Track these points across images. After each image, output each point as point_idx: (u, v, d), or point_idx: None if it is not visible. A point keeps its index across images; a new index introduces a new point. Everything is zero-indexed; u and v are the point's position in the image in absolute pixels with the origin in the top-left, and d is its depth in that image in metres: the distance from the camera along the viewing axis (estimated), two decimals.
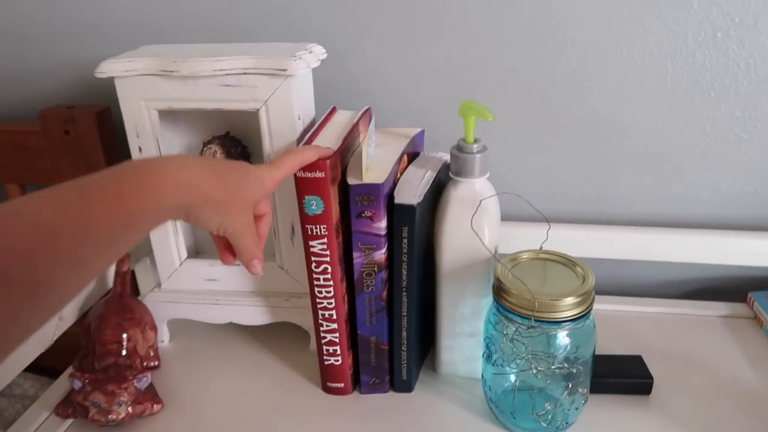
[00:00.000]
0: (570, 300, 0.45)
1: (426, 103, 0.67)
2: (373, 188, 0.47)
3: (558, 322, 0.45)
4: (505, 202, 0.54)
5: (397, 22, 0.65)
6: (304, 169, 0.46)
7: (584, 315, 0.46)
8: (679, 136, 0.65)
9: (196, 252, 0.64)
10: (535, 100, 0.65)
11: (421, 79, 0.66)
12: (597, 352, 0.50)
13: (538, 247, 0.51)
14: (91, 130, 0.67)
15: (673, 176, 0.66)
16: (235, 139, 0.59)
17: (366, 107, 0.58)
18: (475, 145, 0.50)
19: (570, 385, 0.49)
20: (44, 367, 0.66)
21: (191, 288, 0.60)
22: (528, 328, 0.46)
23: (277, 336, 0.63)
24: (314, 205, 0.47)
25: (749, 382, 0.55)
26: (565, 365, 0.48)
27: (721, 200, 0.66)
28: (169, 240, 0.59)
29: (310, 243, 0.49)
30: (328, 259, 0.49)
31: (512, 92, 0.65)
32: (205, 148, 0.58)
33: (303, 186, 0.47)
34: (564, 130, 0.66)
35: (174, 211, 0.37)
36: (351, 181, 0.48)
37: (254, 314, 0.60)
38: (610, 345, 0.58)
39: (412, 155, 0.57)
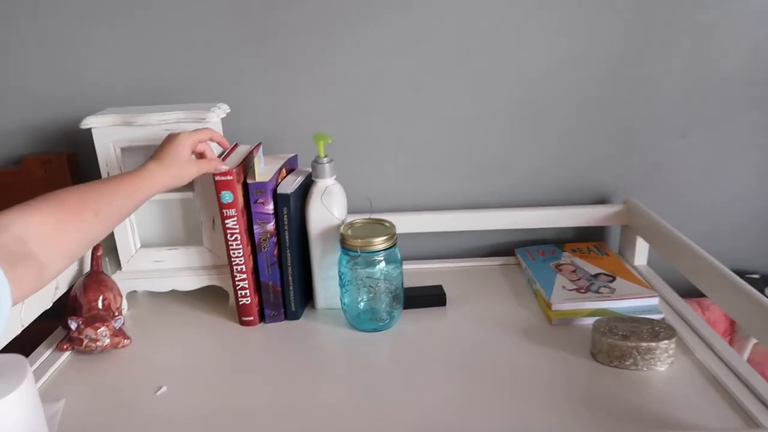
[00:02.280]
0: (380, 239, 0.78)
1: (299, 137, 1.00)
2: (263, 184, 0.79)
3: (375, 252, 0.78)
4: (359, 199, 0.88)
5: (276, 87, 0.98)
6: (220, 175, 0.77)
7: (390, 248, 0.80)
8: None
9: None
10: (376, 135, 1.01)
11: (296, 121, 1.00)
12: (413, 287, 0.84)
13: (367, 217, 0.85)
14: (63, 169, 0.95)
15: (466, 179, 1.03)
16: None
17: (258, 142, 0.90)
18: (325, 159, 0.84)
19: (392, 297, 0.82)
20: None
21: (144, 268, 0.88)
22: (358, 257, 0.78)
23: (205, 297, 0.91)
24: (227, 196, 0.78)
25: (511, 301, 0.90)
26: (385, 282, 0.80)
27: (488, 192, 1.04)
28: (128, 236, 0.87)
29: (226, 221, 0.80)
30: (237, 230, 0.80)
31: (359, 128, 1.00)
32: None
33: (219, 185, 0.78)
34: (396, 147, 1.02)
35: (160, 189, 0.71)
36: (250, 181, 0.80)
37: (189, 282, 0.89)
38: (424, 284, 0.92)
39: (289, 169, 0.90)
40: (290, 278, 0.84)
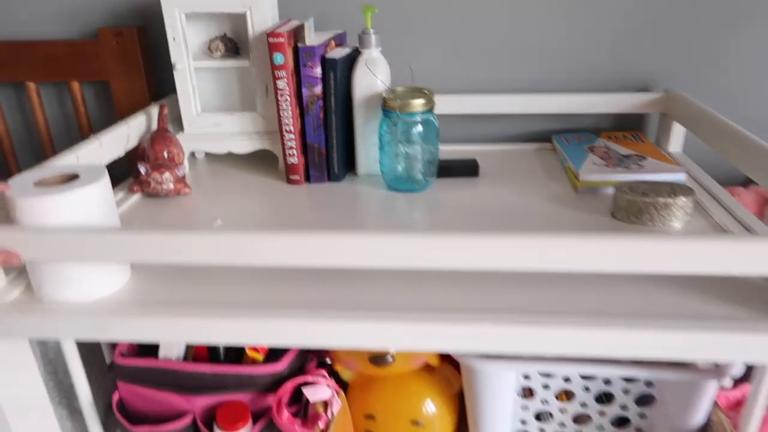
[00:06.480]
0: (419, 102, 0.84)
1: (348, 18, 1.05)
2: (312, 49, 0.85)
3: (413, 114, 0.84)
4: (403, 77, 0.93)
5: None
6: (273, 36, 0.84)
7: (428, 112, 0.85)
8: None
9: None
10: (423, 15, 1.05)
11: (346, 3, 1.05)
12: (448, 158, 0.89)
13: (409, 86, 0.90)
14: (134, 42, 1.04)
15: (509, 65, 1.06)
16: (232, 40, 0.97)
17: (310, 18, 0.96)
18: (372, 30, 0.89)
19: (428, 161, 0.87)
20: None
21: (204, 131, 0.97)
22: (397, 119, 0.84)
23: (258, 162, 1.00)
24: (279, 58, 0.85)
25: (542, 176, 0.95)
26: (422, 145, 0.86)
27: (531, 79, 1.07)
28: (190, 100, 0.96)
29: (277, 82, 0.87)
30: (287, 91, 0.87)
31: (408, 7, 1.05)
32: (211, 42, 0.95)
33: (272, 47, 0.85)
34: (442, 29, 1.06)
35: None
36: (300, 45, 0.86)
37: (244, 145, 0.97)
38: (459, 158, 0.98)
39: (338, 43, 0.95)
40: (334, 141, 0.91)
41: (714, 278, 0.64)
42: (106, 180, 0.64)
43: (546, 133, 1.09)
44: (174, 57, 0.93)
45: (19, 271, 0.68)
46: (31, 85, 1.09)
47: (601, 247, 0.53)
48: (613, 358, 0.70)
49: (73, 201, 0.60)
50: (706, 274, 0.52)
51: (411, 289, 0.65)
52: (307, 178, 0.94)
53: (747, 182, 1.05)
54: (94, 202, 0.62)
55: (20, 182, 0.63)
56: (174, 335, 0.61)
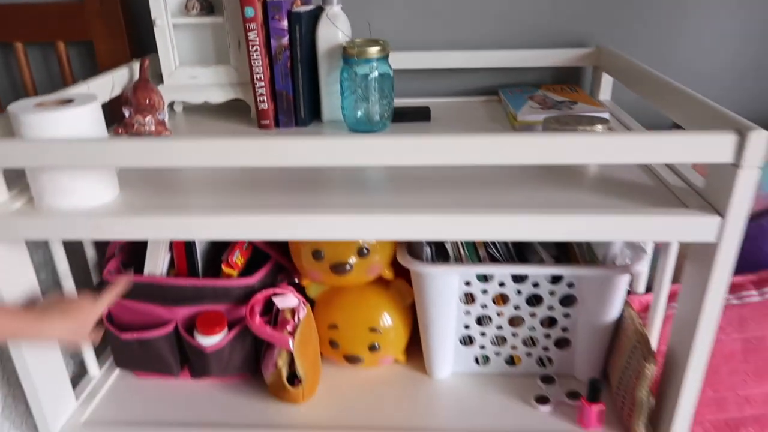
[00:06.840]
0: (375, 49, 0.94)
1: None
2: (279, 2, 0.96)
3: (369, 60, 0.95)
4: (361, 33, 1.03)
5: None
6: None
7: (383, 58, 0.96)
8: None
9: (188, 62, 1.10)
10: None
11: None
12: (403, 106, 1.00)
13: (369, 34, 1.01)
14: (116, 3, 1.12)
15: (459, 25, 1.17)
16: None
17: None
18: None
19: (384, 105, 0.98)
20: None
21: (182, 83, 1.07)
22: (355, 65, 0.95)
23: (232, 112, 1.10)
24: (249, 11, 0.95)
25: (487, 120, 1.07)
26: (378, 89, 0.97)
27: (480, 40, 1.18)
28: (169, 54, 1.05)
29: (248, 34, 0.97)
30: (257, 41, 0.97)
31: None
32: (188, 1, 1.05)
33: (243, 1, 0.95)
34: None
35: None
36: (269, 0, 0.96)
37: (218, 95, 1.07)
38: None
39: (303, 2, 1.06)
40: (301, 89, 1.01)
41: (608, 181, 0.76)
42: (97, 103, 0.73)
43: (493, 88, 1.20)
44: (154, 14, 1.02)
45: (22, 188, 0.77)
46: (19, 46, 1.17)
47: (523, 143, 0.64)
48: (539, 240, 0.82)
49: (69, 118, 0.70)
50: (601, 163, 0.63)
51: (367, 192, 0.76)
52: (277, 124, 1.04)
53: (668, 128, 1.18)
54: (86, 120, 0.71)
55: (23, 104, 0.72)
56: (160, 233, 0.71)
